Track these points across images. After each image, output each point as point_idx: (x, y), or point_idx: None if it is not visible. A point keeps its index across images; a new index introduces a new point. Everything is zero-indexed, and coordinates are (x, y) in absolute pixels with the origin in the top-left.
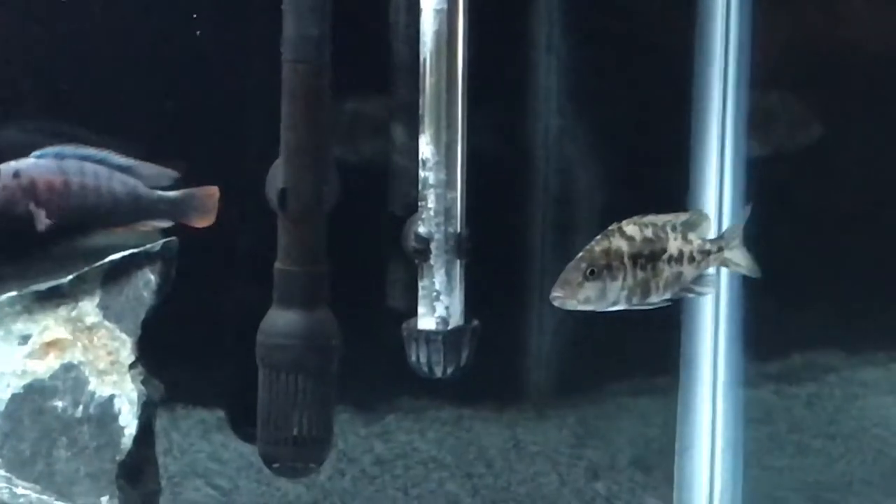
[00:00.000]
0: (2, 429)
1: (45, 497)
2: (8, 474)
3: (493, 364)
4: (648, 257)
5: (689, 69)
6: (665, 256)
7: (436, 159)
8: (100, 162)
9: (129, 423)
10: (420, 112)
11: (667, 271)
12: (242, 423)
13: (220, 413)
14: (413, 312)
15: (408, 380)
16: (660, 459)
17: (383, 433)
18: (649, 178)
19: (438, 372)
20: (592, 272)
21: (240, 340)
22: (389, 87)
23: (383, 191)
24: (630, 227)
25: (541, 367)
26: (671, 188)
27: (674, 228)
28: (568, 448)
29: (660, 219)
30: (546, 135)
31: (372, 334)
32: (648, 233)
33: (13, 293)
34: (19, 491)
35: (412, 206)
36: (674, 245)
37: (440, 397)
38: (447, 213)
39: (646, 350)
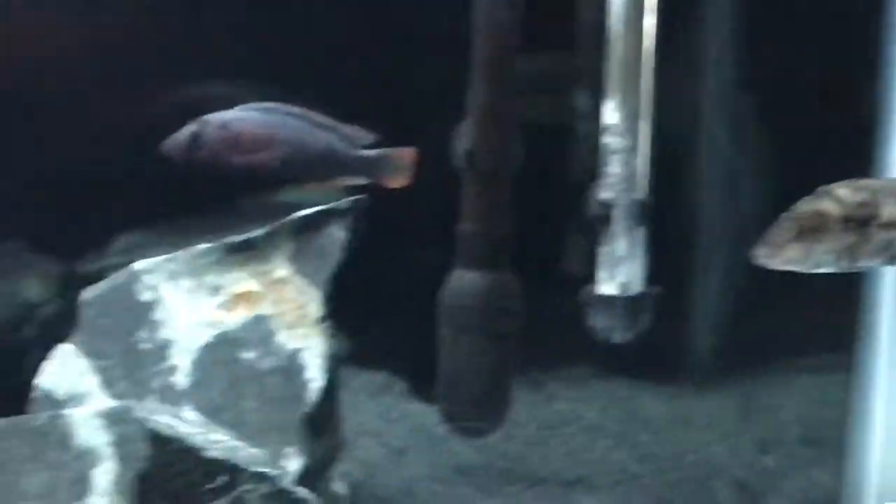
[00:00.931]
0: (192, 377)
1: (238, 444)
2: (204, 419)
3: (656, 333)
4: (859, 221)
5: (878, 35)
6: (877, 222)
7: (621, 126)
8: (301, 118)
9: (315, 377)
10: (606, 78)
11: (878, 237)
12: (421, 384)
13: (387, 375)
14: (588, 279)
15: (572, 347)
16: (830, 435)
17: (548, 399)
18: (833, 150)
19: (618, 337)
20: (799, 233)
21: (418, 302)
22: (575, 52)
23: (564, 155)
24: (842, 190)
25: (707, 338)
26: (855, 159)
27: (891, 194)
28: (734, 421)
29: (875, 183)
30: (723, 102)
31: (542, 299)
32: (861, 196)
33: (206, 245)
34: (214, 437)
35: (594, 172)
36: (887, 211)
37: (603, 365)
38: (630, 180)
39: (820, 324)
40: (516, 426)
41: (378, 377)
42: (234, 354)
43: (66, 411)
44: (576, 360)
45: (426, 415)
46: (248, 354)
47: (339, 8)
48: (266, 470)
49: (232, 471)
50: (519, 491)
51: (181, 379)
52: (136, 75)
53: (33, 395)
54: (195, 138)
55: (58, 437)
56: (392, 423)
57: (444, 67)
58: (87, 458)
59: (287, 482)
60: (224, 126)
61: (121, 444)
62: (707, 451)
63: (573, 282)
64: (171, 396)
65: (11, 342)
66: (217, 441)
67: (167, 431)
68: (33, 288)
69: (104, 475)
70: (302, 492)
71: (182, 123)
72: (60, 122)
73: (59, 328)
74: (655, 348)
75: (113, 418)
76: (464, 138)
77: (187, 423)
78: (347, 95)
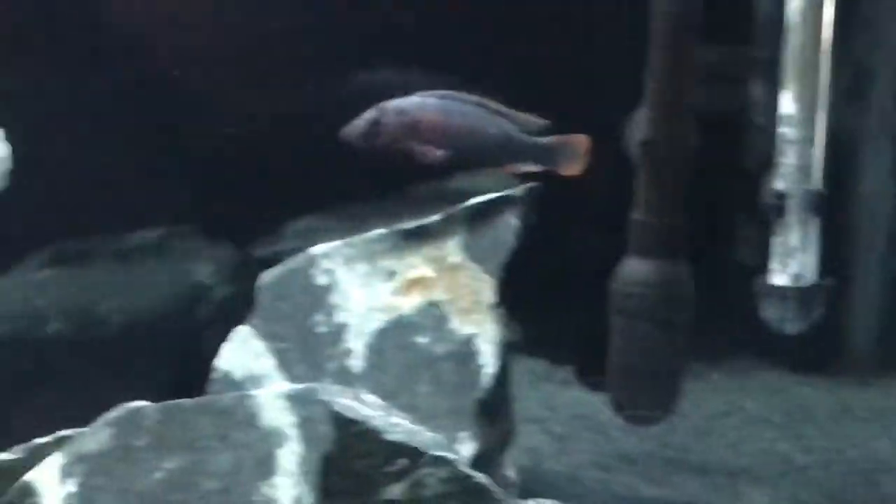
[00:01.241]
0: (367, 361)
1: (416, 427)
2: (384, 402)
3: (820, 324)
4: None
5: None
6: None
7: (798, 116)
8: (477, 106)
9: (488, 363)
10: (783, 68)
11: None
12: (590, 371)
13: (548, 363)
14: (761, 269)
15: (735, 338)
16: None
17: (711, 390)
18: None
19: (790, 329)
20: None
21: (586, 290)
22: (752, 42)
23: (740, 145)
24: None
25: (871, 329)
26: None
27: None
28: None
29: None
30: None
31: (712, 289)
32: None
33: (381, 230)
34: (394, 420)
35: (769, 162)
36: None
37: (765, 356)
38: (805, 170)
39: None
40: (679, 415)
41: (539, 365)
42: (408, 339)
43: (252, 392)
44: (738, 351)
45: (588, 403)
46: (422, 339)
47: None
48: (445, 454)
49: (412, 454)
50: (684, 481)
51: (356, 363)
52: (315, 61)
53: (212, 375)
54: (374, 124)
55: (243, 418)
56: (554, 410)
57: (620, 55)
58: (272, 439)
59: (464, 466)
60: (402, 112)
61: (305, 426)
62: (871, 444)
63: (745, 272)
64: (346, 380)
65: (186, 324)
66: (397, 424)
67: (350, 414)
68: (205, 271)
69: (289, 456)
70: (479, 476)
71: (360, 110)
72: (237, 107)
73: (233, 311)
74: (818, 339)
75: (298, 400)
76: (639, 127)
77: (368, 406)
78: (521, 82)
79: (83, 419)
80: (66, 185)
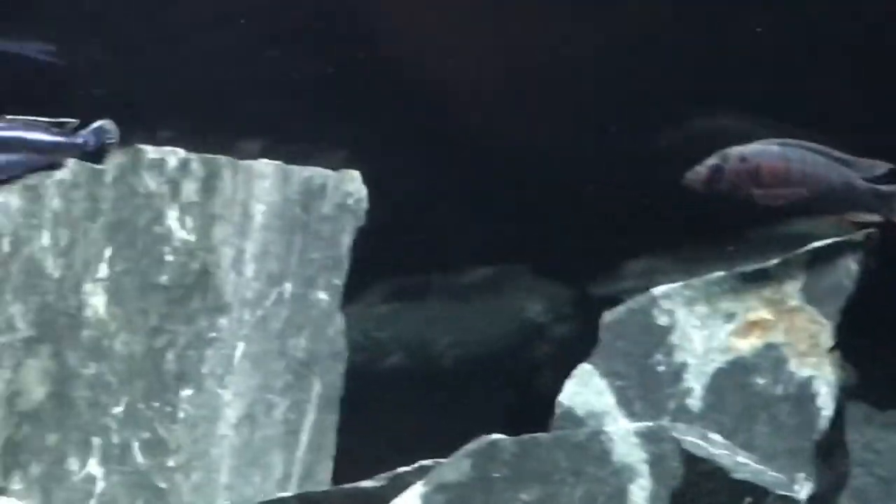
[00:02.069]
0: (706, 401)
1: (760, 467)
2: (727, 442)
3: None
4: None
5: None
6: None
7: None
8: (819, 153)
9: (826, 405)
10: None
11: None
12: None
13: (868, 407)
14: None
15: None
16: None
17: None
18: None
19: None
20: None
21: None
22: None
23: None
24: None
25: None
26: None
27: None
28: None
29: None
30: None
31: None
32: None
33: (721, 273)
34: (740, 459)
35: None
36: None
37: None
38: None
39: None
40: None
41: (859, 409)
42: (747, 380)
43: (605, 428)
44: None
45: None
46: (761, 381)
47: (846, 43)
48: (789, 493)
49: (758, 493)
50: None
51: (695, 402)
52: (657, 106)
53: (556, 411)
54: (717, 170)
55: (597, 453)
56: (878, 454)
57: None
58: (624, 474)
59: None
60: (744, 159)
61: (656, 462)
62: None
63: None
64: (685, 419)
65: (519, 360)
66: (743, 464)
67: (699, 452)
68: (538, 309)
69: (639, 491)
70: None
71: (701, 155)
72: (575, 151)
73: (568, 349)
74: None
75: (649, 437)
76: None
77: (714, 445)
78: (865, 127)
79: (422, 449)
80: (406, 223)
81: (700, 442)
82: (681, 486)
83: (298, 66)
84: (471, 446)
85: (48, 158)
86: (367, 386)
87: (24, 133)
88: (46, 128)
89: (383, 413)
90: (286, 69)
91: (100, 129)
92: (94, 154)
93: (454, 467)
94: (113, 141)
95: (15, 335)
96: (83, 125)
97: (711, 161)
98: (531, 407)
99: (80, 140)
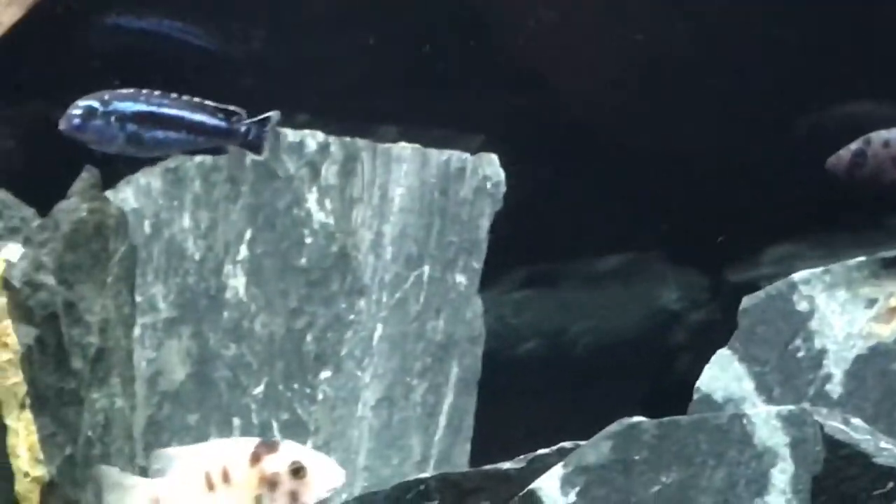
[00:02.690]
0: (846, 387)
1: None
2: (869, 427)
3: None
4: None
5: None
6: None
7: None
8: None
9: None
10: None
11: None
12: None
13: None
14: None
15: None
16: None
17: None
18: None
19: None
20: None
21: None
22: None
23: None
24: None
25: None
26: None
27: None
28: None
29: None
30: None
31: None
32: None
33: (861, 258)
34: (882, 444)
35: None
36: None
37: None
38: None
39: None
40: None
41: None
42: (888, 366)
43: (747, 411)
44: None
45: None
46: None
47: None
48: None
49: None
50: None
51: (835, 388)
52: (798, 93)
53: (694, 397)
54: (859, 155)
55: (738, 436)
56: None
57: None
58: (766, 457)
59: None
60: (888, 144)
61: (798, 446)
62: None
63: None
64: (825, 405)
65: (654, 347)
66: (885, 448)
67: (841, 436)
68: (673, 296)
69: (781, 475)
70: None
71: (843, 141)
72: (712, 136)
73: (704, 335)
74: None
75: (791, 420)
76: None
77: (856, 430)
78: None
79: (557, 435)
80: (541, 209)
81: (842, 426)
82: (823, 471)
83: (443, 56)
84: (611, 428)
85: (208, 142)
86: (502, 372)
87: (188, 113)
88: (213, 112)
89: (519, 399)
90: (429, 59)
91: (264, 121)
92: (254, 144)
93: (595, 449)
94: (264, 135)
95: (157, 316)
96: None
97: (854, 146)
98: (667, 393)
99: (242, 128)
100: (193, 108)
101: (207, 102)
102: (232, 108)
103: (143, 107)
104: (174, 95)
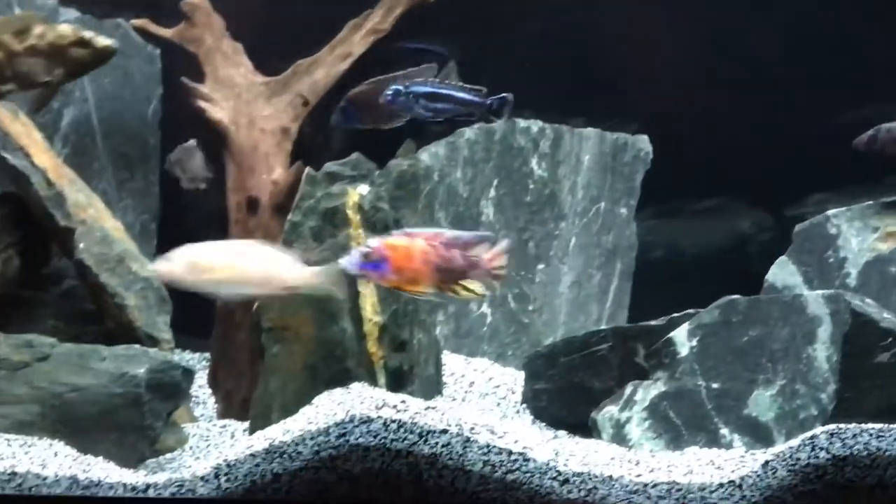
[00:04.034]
0: (858, 280)
1: None
2: (876, 304)
3: None
4: None
5: None
6: None
7: None
8: None
9: None
10: None
11: None
12: None
13: None
14: None
15: None
16: None
17: None
18: None
19: None
20: None
21: None
22: None
23: None
24: None
25: None
26: None
27: None
28: None
29: None
30: None
31: None
32: None
33: (870, 202)
34: (885, 315)
35: None
36: None
37: None
38: None
39: None
40: None
41: None
42: (885, 268)
43: (802, 293)
44: None
45: None
46: (893, 269)
47: None
48: None
49: (894, 334)
50: None
51: (851, 281)
52: (843, 97)
53: (764, 285)
54: (873, 137)
55: (797, 308)
56: None
57: None
58: (814, 321)
59: None
60: (890, 130)
61: (834, 315)
62: None
63: None
64: (847, 290)
65: (740, 255)
66: (886, 317)
67: (859, 309)
68: (747, 224)
69: (823, 333)
70: None
71: (864, 128)
72: (791, 121)
73: (771, 248)
74: None
75: (831, 298)
76: None
77: (869, 306)
78: None
79: (679, 306)
80: (667, 169)
81: (860, 303)
82: (849, 330)
83: (614, 72)
84: (718, 302)
85: (465, 111)
86: (640, 268)
87: (454, 91)
88: (468, 90)
89: (651, 284)
90: (605, 74)
91: (503, 98)
92: (497, 113)
93: (708, 314)
94: (509, 109)
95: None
96: (489, 94)
97: (870, 132)
98: (747, 285)
99: (487, 102)
100: (459, 89)
101: (466, 85)
102: (478, 87)
103: (428, 88)
104: (446, 81)
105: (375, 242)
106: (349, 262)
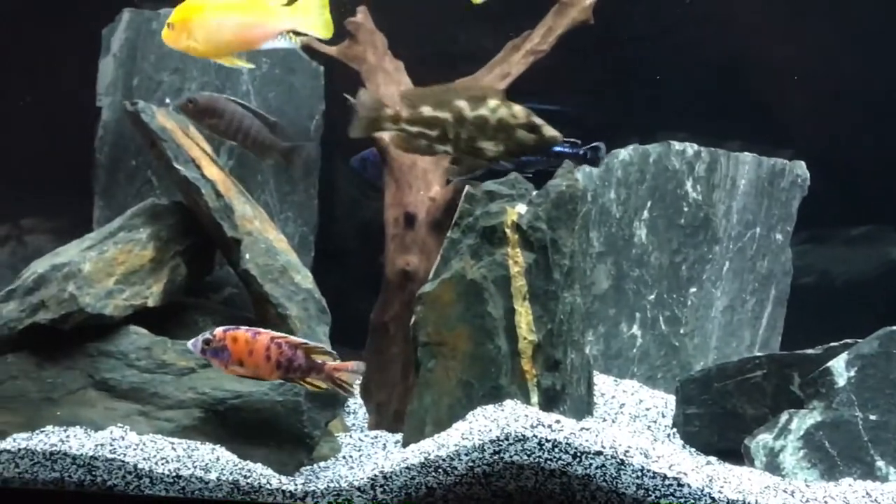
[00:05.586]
0: None
1: None
2: None
3: None
4: None
5: None
6: None
7: None
8: None
9: None
10: None
11: None
12: None
13: None
14: None
15: None
16: None
17: None
18: None
19: None
20: None
21: None
22: None
23: None
24: None
25: None
26: None
27: None
28: None
29: None
30: None
31: None
32: None
33: None
34: None
35: None
36: None
37: None
38: None
39: None
40: None
41: None
42: None
43: None
44: None
45: None
46: None
47: None
48: None
49: None
50: None
51: None
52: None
53: None
54: None
55: None
56: None
57: None
58: None
59: None
60: None
61: None
62: None
63: None
64: None
65: (889, 282)
66: None
67: None
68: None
69: None
70: None
71: None
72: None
73: None
74: None
75: None
76: None
77: None
78: None
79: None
80: (818, 196)
81: None
82: None
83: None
84: (878, 333)
85: (557, 162)
86: (792, 293)
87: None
88: (563, 143)
89: (803, 312)
90: (763, 105)
91: (595, 147)
92: (591, 161)
93: (868, 344)
94: (602, 155)
95: (593, 250)
96: (583, 143)
97: None
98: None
99: (580, 152)
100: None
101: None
102: (573, 140)
103: None
104: None
105: (219, 331)
106: (192, 344)
